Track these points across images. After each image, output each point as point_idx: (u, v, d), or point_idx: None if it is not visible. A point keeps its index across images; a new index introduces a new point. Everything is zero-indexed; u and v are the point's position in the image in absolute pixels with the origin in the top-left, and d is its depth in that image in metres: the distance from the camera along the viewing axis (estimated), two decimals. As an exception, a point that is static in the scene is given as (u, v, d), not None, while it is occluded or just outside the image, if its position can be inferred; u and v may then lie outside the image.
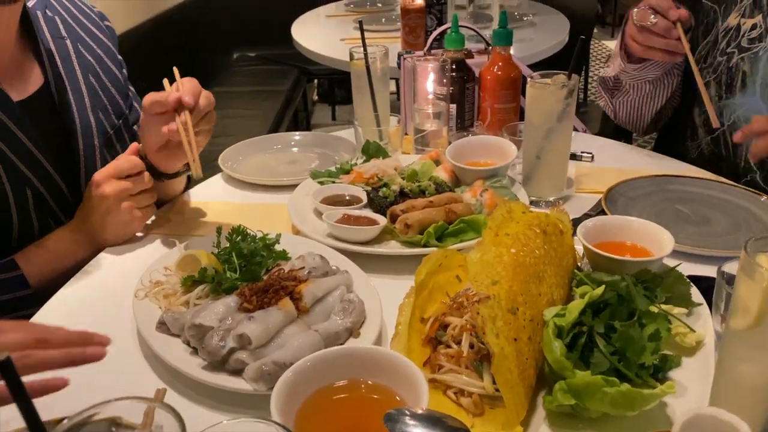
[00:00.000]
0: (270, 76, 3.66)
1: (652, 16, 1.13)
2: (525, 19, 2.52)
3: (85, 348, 0.63)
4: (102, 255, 1.01)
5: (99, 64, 1.13)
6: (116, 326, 0.82)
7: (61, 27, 1.08)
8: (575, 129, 1.29)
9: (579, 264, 0.86)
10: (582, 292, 0.72)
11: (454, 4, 2.83)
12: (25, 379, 0.54)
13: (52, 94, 1.03)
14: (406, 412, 0.59)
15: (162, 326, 0.78)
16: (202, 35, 3.66)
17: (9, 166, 0.94)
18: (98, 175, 1.00)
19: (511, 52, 1.29)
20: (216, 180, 1.28)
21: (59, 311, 0.89)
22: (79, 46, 1.10)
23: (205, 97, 0.99)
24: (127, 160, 1.01)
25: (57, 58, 1.04)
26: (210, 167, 1.30)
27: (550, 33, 2.41)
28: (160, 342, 0.76)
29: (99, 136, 1.08)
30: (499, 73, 1.27)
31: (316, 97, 4.96)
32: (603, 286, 0.69)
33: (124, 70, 1.21)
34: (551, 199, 1.12)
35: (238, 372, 0.72)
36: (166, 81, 1.01)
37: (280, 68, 3.76)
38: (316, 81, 4.73)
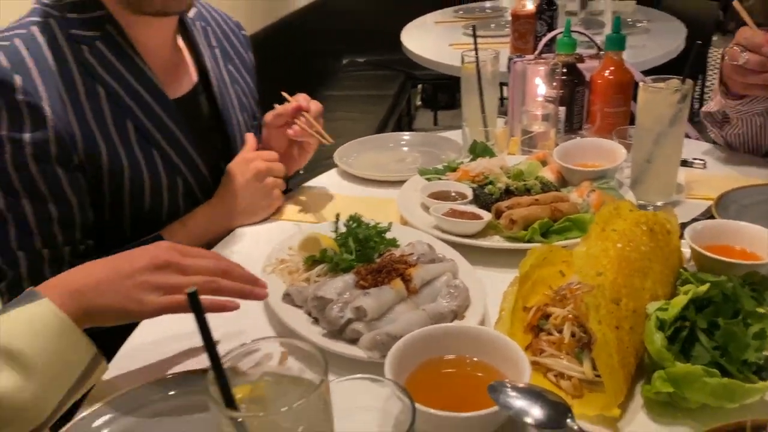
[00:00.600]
0: (377, 80, 3.78)
1: (743, 53, 1.07)
2: (638, 25, 2.48)
3: (253, 287, 0.77)
4: (233, 234, 1.13)
5: (237, 70, 1.27)
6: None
7: (211, 37, 1.22)
8: (688, 135, 1.28)
9: (685, 266, 0.87)
10: (686, 290, 0.73)
11: (565, 10, 2.82)
12: (208, 298, 0.68)
13: (202, 94, 1.18)
14: (508, 384, 0.63)
15: (287, 297, 0.87)
16: (314, 41, 3.84)
17: (165, 157, 1.07)
18: (248, 154, 1.15)
19: (624, 57, 1.30)
20: (331, 174, 1.37)
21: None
22: (225, 54, 1.25)
23: (315, 104, 1.19)
24: (269, 152, 1.16)
25: (208, 64, 1.18)
26: (324, 165, 1.41)
27: (664, 39, 2.35)
28: (286, 311, 0.85)
29: (243, 132, 1.22)
30: (611, 77, 1.28)
31: (419, 102, 5.05)
32: (708, 284, 0.70)
33: (254, 76, 1.36)
34: (659, 203, 1.11)
35: (353, 341, 0.79)
36: (285, 93, 1.20)
37: (387, 73, 3.86)
38: (420, 86, 4.81)
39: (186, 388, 0.70)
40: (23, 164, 0.94)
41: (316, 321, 0.84)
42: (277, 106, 1.18)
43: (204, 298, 0.59)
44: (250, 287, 0.76)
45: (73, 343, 0.64)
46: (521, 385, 0.63)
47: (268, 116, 1.18)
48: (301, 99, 1.17)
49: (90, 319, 0.68)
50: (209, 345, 0.43)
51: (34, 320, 0.62)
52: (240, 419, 0.41)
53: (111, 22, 1.04)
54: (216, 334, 0.43)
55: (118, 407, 0.67)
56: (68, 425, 0.65)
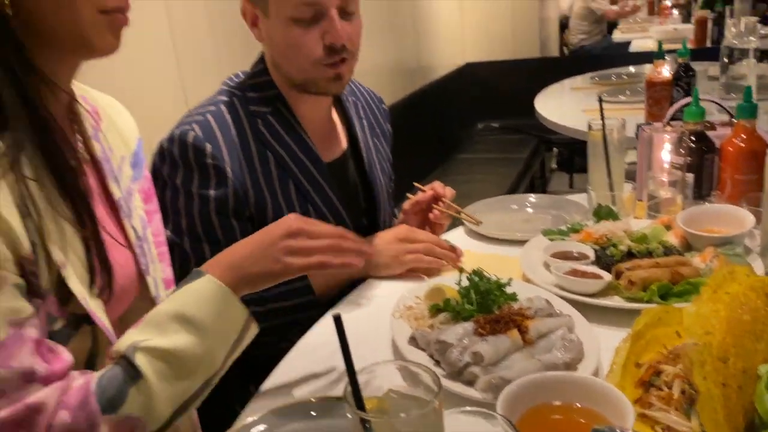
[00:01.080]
0: (510, 144, 3.88)
1: None
2: (784, 90, 2.38)
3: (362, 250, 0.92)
4: (368, 280, 1.26)
5: (378, 139, 1.45)
6: (376, 338, 1.04)
7: (360, 110, 1.42)
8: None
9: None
10: (804, 355, 0.73)
11: (707, 75, 2.78)
12: (337, 259, 0.88)
13: (350, 159, 1.36)
14: (615, 429, 0.68)
15: (412, 341, 0.97)
16: (450, 108, 4.03)
17: (318, 211, 1.24)
18: (420, 235, 1.28)
19: (757, 124, 1.30)
20: (458, 232, 1.47)
21: (317, 347, 1.07)
22: (370, 125, 1.43)
23: (449, 189, 1.36)
24: (426, 234, 1.30)
25: (358, 133, 1.36)
26: (453, 223, 1.52)
27: (816, 104, 2.24)
28: (411, 353, 0.95)
29: (385, 193, 1.39)
30: (742, 145, 1.28)
31: (554, 165, 5.05)
32: (826, 350, 0.71)
33: (391, 145, 1.53)
34: (791, 271, 1.09)
35: (470, 383, 0.86)
36: (417, 184, 1.38)
37: (520, 137, 3.96)
38: (555, 150, 4.83)
39: (327, 411, 0.81)
40: (207, 215, 1.16)
41: (437, 363, 0.92)
42: (410, 195, 1.35)
43: (335, 258, 0.85)
44: (363, 249, 0.92)
45: (232, 308, 0.79)
46: (627, 430, 0.67)
47: (406, 205, 1.35)
48: (437, 187, 1.33)
49: (246, 285, 0.82)
50: (348, 360, 0.53)
51: (201, 291, 0.77)
52: (367, 420, 0.51)
53: (281, 99, 1.25)
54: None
55: (270, 421, 0.79)
56: (230, 430, 0.79)
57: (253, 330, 0.82)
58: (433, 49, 4.15)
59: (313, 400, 0.84)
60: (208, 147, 1.15)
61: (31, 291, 0.69)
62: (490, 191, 3.07)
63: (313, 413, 0.81)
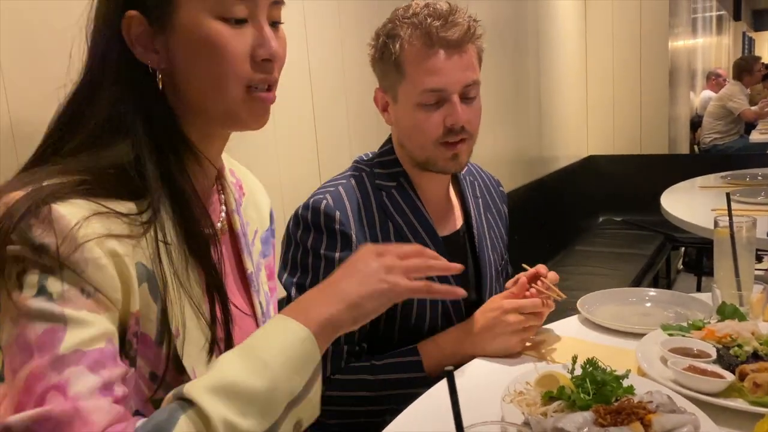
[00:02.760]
0: (633, 239, 3.76)
1: None
2: None
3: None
4: (475, 360, 1.27)
5: (494, 219, 1.51)
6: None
7: (477, 189, 1.49)
8: None
9: None
10: None
11: None
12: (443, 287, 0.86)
13: (464, 235, 1.42)
14: None
15: (525, 426, 0.96)
16: (571, 199, 4.01)
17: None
18: (508, 305, 1.27)
19: None
20: (572, 320, 1.46)
21: (436, 402, 1.12)
22: (486, 205, 1.49)
23: (552, 273, 1.34)
24: (532, 302, 1.27)
25: (473, 211, 1.43)
26: (567, 314, 1.50)
27: None
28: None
29: (493, 271, 1.42)
30: None
31: (681, 266, 4.81)
32: None
33: (507, 227, 1.57)
34: None
35: None
36: (524, 265, 1.36)
37: (644, 233, 3.83)
38: (683, 249, 4.61)
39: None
40: (330, 274, 1.24)
41: None
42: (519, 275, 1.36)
43: (440, 286, 0.83)
44: (449, 266, 0.87)
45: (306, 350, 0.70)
46: None
47: (509, 283, 1.35)
48: (540, 267, 1.33)
49: (353, 311, 0.76)
50: (457, 416, 0.57)
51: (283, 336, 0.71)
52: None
53: (404, 176, 1.36)
54: None
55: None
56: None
57: (318, 387, 0.72)
58: (556, 139, 4.19)
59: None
60: (338, 214, 1.27)
61: (123, 352, 0.69)
62: (609, 285, 2.93)
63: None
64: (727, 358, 1.10)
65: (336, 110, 2.11)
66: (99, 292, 0.66)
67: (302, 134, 1.97)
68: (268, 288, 0.99)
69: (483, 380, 1.21)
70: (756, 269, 1.50)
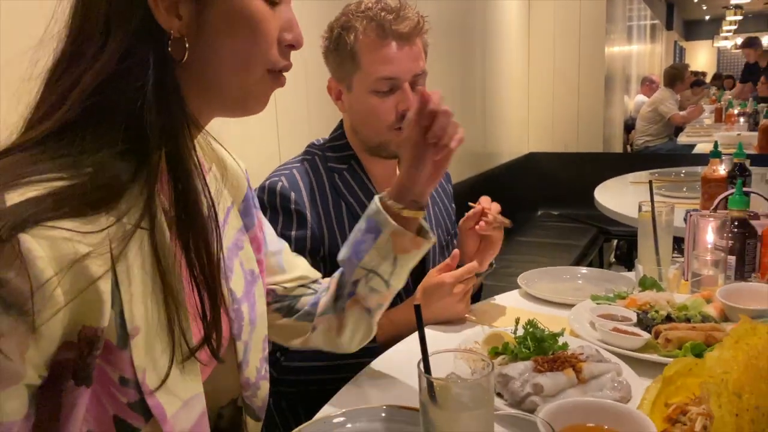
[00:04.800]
0: (569, 232, 4.00)
1: None
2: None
3: None
4: (426, 329, 1.40)
5: (439, 195, 1.65)
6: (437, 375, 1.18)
7: None
8: None
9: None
10: (814, 402, 0.84)
11: (765, 179, 2.87)
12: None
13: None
14: (636, 442, 0.80)
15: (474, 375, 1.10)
16: (513, 193, 4.21)
17: None
18: (449, 278, 1.40)
19: (798, 216, 1.42)
20: (514, 294, 1.61)
21: (389, 365, 1.25)
22: (436, 189, 1.61)
23: (495, 204, 1.50)
24: (467, 268, 1.41)
25: None
26: (509, 288, 1.66)
27: None
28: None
29: (437, 246, 1.54)
30: (782, 233, 1.40)
31: (613, 259, 5.09)
32: (832, 396, 0.81)
33: (453, 206, 1.71)
34: (822, 348, 1.18)
35: (530, 411, 0.97)
36: (470, 203, 1.51)
37: (579, 226, 4.07)
38: (615, 242, 4.90)
39: (393, 417, 0.96)
40: None
41: (499, 395, 1.04)
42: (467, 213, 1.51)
43: None
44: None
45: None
46: (647, 443, 0.79)
47: (461, 222, 1.52)
48: (483, 202, 1.49)
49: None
50: (422, 341, 0.69)
51: None
52: (432, 381, 0.66)
53: (355, 159, 1.48)
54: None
55: (348, 415, 0.95)
56: (312, 421, 0.94)
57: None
58: (500, 136, 4.39)
59: (384, 406, 0.98)
60: (293, 195, 1.38)
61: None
62: (546, 273, 3.17)
63: (383, 415, 0.96)
64: (645, 320, 1.27)
65: (297, 99, 2.20)
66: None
67: (263, 123, 2.06)
68: (255, 263, 0.93)
69: (434, 343, 1.33)
70: (674, 257, 1.69)
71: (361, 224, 1.01)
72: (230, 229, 0.89)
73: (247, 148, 1.96)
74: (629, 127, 6.87)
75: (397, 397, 1.07)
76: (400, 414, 0.97)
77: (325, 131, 1.57)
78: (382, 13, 1.36)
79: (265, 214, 1.37)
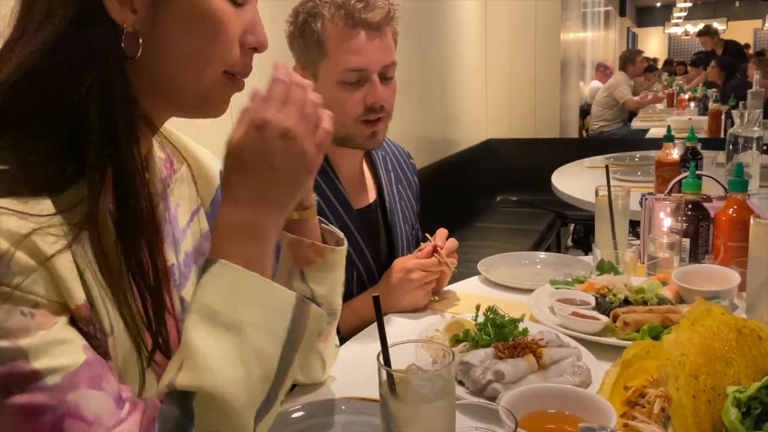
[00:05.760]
0: (527, 217, 4.04)
1: None
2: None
3: None
4: (389, 317, 1.39)
5: (405, 190, 1.62)
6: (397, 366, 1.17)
7: (388, 163, 1.59)
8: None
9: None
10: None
11: (715, 162, 2.94)
12: None
13: (378, 208, 1.52)
14: (600, 427, 0.80)
15: (435, 365, 1.09)
16: (471, 180, 4.22)
17: (348, 256, 1.39)
18: (411, 264, 1.38)
19: (748, 199, 1.44)
20: (474, 280, 1.61)
21: (356, 352, 1.24)
22: (397, 177, 1.60)
23: (451, 241, 1.43)
24: (431, 261, 1.39)
25: (385, 184, 1.53)
26: (470, 274, 1.65)
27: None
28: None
29: (404, 240, 1.52)
30: (734, 215, 1.43)
31: (570, 243, 5.18)
32: (784, 375, 0.83)
33: (418, 197, 1.68)
34: (773, 327, 1.21)
35: (491, 399, 0.97)
36: (427, 234, 1.47)
37: (536, 212, 4.12)
38: (572, 227, 4.97)
39: (355, 409, 0.94)
40: None
41: (460, 383, 1.03)
42: (422, 243, 1.46)
43: None
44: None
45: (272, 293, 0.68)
46: (610, 428, 0.79)
47: (414, 253, 1.45)
48: (439, 238, 1.43)
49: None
50: (382, 332, 0.67)
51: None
52: (392, 373, 0.65)
53: None
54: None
55: (308, 410, 0.92)
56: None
57: (315, 311, 0.70)
58: (458, 123, 4.39)
59: (344, 398, 0.96)
60: None
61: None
62: (506, 258, 3.20)
63: (343, 407, 0.94)
64: (604, 304, 1.28)
65: (258, 83, 2.14)
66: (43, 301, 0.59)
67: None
68: None
69: (396, 332, 1.32)
70: (630, 241, 1.71)
71: None
72: (192, 234, 0.85)
73: (200, 139, 1.90)
74: (584, 112, 6.98)
75: (359, 388, 1.06)
76: (361, 406, 0.95)
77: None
78: (351, 1, 1.30)
79: None
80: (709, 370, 0.86)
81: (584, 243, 4.73)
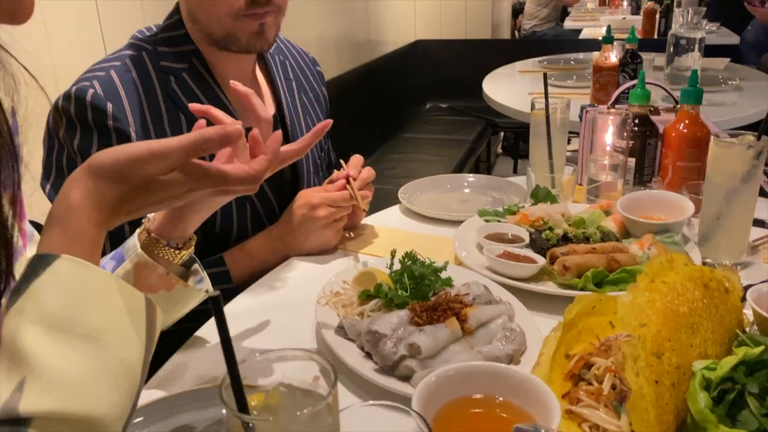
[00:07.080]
0: (457, 126, 3.83)
1: None
2: (730, 83, 2.40)
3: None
4: (290, 261, 1.16)
5: (311, 103, 1.33)
6: (298, 328, 0.95)
7: (289, 70, 1.29)
8: (765, 195, 1.22)
9: (746, 329, 0.82)
10: (739, 351, 0.69)
11: (653, 65, 2.77)
12: None
13: (277, 125, 1.22)
14: (539, 429, 0.61)
15: (340, 330, 0.88)
16: (399, 86, 3.94)
17: None
18: (316, 199, 1.14)
19: (701, 111, 1.26)
20: (394, 210, 1.39)
21: (248, 309, 1.02)
22: (300, 87, 1.30)
23: (366, 170, 1.22)
24: (341, 194, 1.15)
25: (285, 95, 1.24)
26: (390, 202, 1.43)
27: (756, 98, 2.26)
28: (338, 344, 0.85)
29: (311, 165, 1.26)
30: (685, 131, 1.25)
31: (500, 150, 5.04)
32: (763, 346, 0.66)
33: (327, 111, 1.40)
34: (727, 263, 1.06)
35: (405, 378, 0.79)
36: (342, 161, 1.23)
37: (467, 119, 3.91)
38: (502, 134, 4.82)
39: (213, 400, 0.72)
40: None
41: (368, 356, 0.84)
42: (336, 171, 1.22)
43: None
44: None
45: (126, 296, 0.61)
46: (551, 430, 0.61)
47: (325, 183, 1.22)
48: (351, 168, 1.19)
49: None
50: (228, 350, 0.45)
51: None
52: (250, 423, 0.42)
53: (197, 56, 1.12)
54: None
55: (148, 412, 0.70)
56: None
57: (159, 313, 0.63)
58: (384, 23, 4.04)
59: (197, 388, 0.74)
60: (110, 107, 1.02)
61: None
62: (434, 172, 2.97)
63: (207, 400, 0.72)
64: (539, 241, 1.09)
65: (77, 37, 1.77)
66: None
67: (79, 7, 1.63)
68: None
69: (299, 281, 1.10)
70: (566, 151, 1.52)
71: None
72: None
73: (56, 51, 1.54)
74: (517, 12, 6.67)
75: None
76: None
77: (163, 16, 1.20)
78: None
79: (72, 133, 1.03)
80: (674, 343, 0.68)
81: (514, 151, 4.60)
